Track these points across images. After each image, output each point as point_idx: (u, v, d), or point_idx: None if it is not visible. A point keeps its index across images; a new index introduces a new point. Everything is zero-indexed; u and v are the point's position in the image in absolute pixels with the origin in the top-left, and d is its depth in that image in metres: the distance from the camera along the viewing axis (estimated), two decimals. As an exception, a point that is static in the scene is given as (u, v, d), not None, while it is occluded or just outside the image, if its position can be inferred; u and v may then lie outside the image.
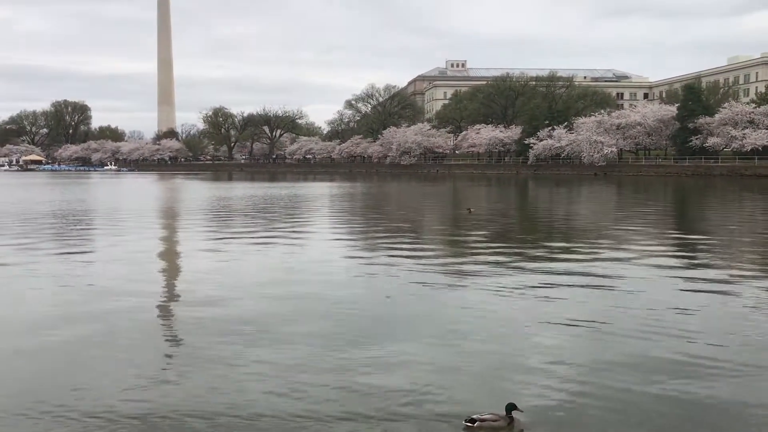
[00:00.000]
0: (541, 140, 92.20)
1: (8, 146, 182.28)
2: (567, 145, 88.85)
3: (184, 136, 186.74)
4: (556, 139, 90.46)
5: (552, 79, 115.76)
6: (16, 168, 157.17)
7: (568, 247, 17.29)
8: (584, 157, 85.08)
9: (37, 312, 10.29)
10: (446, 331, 9.05)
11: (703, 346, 8.32)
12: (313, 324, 9.41)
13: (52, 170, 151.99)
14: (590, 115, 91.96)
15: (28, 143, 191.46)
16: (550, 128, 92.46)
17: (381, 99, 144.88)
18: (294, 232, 21.11)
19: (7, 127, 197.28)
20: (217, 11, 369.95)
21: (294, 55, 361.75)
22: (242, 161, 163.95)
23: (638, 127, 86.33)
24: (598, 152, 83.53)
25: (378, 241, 18.56)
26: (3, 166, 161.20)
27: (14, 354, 8.25)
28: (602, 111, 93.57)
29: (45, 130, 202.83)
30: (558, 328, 9.21)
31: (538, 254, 15.82)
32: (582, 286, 11.88)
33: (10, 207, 32.95)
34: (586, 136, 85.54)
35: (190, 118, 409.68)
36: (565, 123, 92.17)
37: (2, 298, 11.43)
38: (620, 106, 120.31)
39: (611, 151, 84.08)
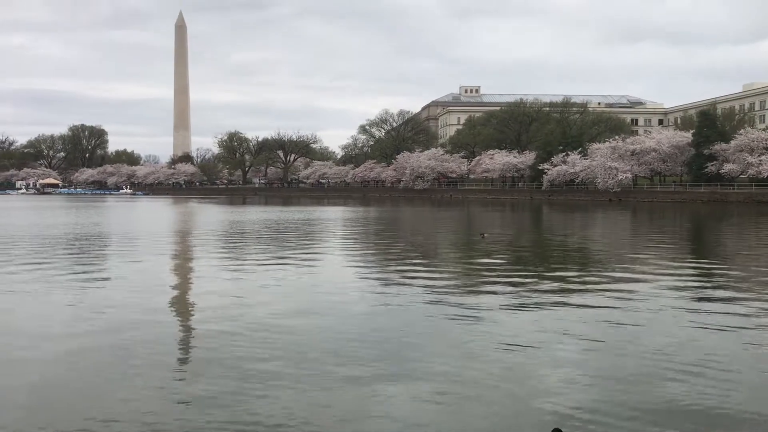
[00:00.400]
0: (555, 166, 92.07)
1: (26, 169, 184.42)
2: (581, 170, 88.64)
3: (199, 160, 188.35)
4: (570, 164, 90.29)
5: (566, 104, 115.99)
6: (33, 191, 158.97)
7: (582, 273, 17.07)
8: (599, 182, 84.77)
9: (50, 334, 10.22)
10: (460, 359, 8.88)
11: (719, 383, 8.09)
12: (326, 355, 9.25)
13: (68, 193, 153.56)
14: (605, 141, 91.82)
15: (46, 167, 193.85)
16: (564, 154, 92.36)
17: (395, 124, 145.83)
18: (307, 256, 21.02)
19: (25, 150, 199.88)
20: (233, 38, 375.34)
21: (308, 81, 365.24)
22: (257, 185, 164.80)
23: (653, 153, 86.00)
24: (612, 178, 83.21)
25: (391, 266, 18.42)
26: (20, 189, 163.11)
27: (25, 375, 8.16)
28: (617, 137, 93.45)
29: (62, 154, 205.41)
30: (573, 360, 9.00)
31: (553, 280, 15.60)
32: (597, 318, 11.67)
33: (25, 230, 33.16)
34: (601, 161, 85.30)
35: (205, 142, 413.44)
36: (580, 149, 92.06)
37: (15, 321, 11.37)
38: (635, 132, 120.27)
39: (626, 177, 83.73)
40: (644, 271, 17.43)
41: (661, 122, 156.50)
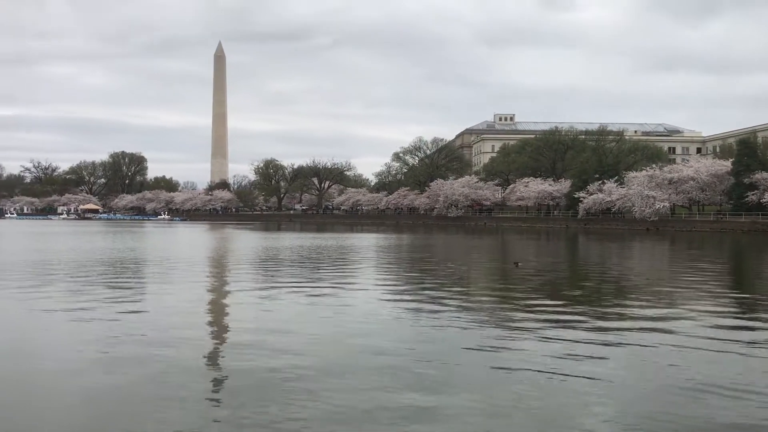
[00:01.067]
0: (591, 194, 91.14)
1: (67, 195, 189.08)
2: (618, 199, 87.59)
3: (235, 186, 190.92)
4: (606, 193, 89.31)
5: (602, 133, 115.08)
6: (74, 216, 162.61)
7: (619, 304, 16.78)
8: (635, 211, 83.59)
9: (86, 353, 10.37)
10: (491, 389, 8.78)
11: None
12: (364, 381, 9.22)
13: (107, 219, 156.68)
14: (641, 170, 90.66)
15: (87, 192, 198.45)
16: (600, 182, 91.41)
17: (429, 152, 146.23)
18: (341, 283, 21.06)
19: (67, 176, 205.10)
20: (269, 67, 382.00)
21: (343, 109, 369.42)
22: (291, 212, 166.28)
23: (691, 182, 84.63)
24: (649, 207, 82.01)
25: (424, 294, 18.34)
26: (62, 214, 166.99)
27: (61, 395, 8.29)
28: (654, 165, 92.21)
29: (103, 180, 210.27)
30: (608, 391, 8.83)
31: (589, 309, 15.37)
32: (635, 350, 11.44)
33: (64, 255, 33.87)
34: (638, 190, 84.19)
35: (241, 169, 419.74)
36: (616, 177, 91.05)
37: (50, 344, 11.58)
38: (672, 161, 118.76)
39: (663, 206, 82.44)
40: (683, 302, 17.06)
41: (699, 151, 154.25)
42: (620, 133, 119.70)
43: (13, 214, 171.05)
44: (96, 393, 8.57)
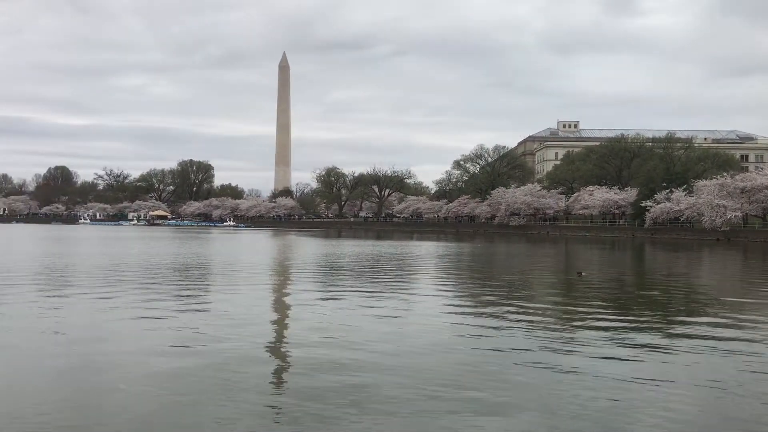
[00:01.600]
0: (659, 203, 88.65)
1: (138, 202, 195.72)
2: (686, 208, 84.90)
3: (298, 194, 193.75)
4: (674, 202, 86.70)
5: (670, 140, 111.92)
6: (143, 222, 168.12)
7: (688, 320, 16.22)
8: (705, 221, 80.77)
9: (151, 355, 10.68)
10: (550, 405, 8.63)
11: None
12: (424, 393, 9.21)
13: (176, 225, 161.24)
14: (711, 178, 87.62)
15: (156, 199, 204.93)
16: (668, 191, 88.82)
17: (490, 159, 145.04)
18: (402, 291, 21.09)
19: (138, 184, 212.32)
20: (332, 77, 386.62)
21: (404, 117, 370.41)
22: (352, 219, 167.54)
23: (765, 191, 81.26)
24: (720, 216, 79.08)
25: (485, 305, 18.18)
26: (132, 220, 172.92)
27: (125, 396, 8.56)
28: (725, 173, 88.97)
29: (171, 188, 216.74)
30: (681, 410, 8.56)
31: (655, 329, 14.93)
32: (703, 368, 11.05)
33: (133, 258, 34.99)
34: (708, 199, 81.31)
35: (304, 177, 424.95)
36: (685, 185, 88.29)
37: (115, 346, 11.96)
38: (745, 169, 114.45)
39: (735, 216, 79.37)
40: (757, 317, 16.39)
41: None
42: (689, 141, 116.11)
43: (86, 220, 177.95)
44: (156, 391, 8.81)
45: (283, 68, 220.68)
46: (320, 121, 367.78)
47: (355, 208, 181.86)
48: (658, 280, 27.69)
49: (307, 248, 52.08)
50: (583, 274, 27.61)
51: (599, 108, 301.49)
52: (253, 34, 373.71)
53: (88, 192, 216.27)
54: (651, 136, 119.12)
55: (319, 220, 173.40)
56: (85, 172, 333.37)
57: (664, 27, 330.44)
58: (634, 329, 14.19)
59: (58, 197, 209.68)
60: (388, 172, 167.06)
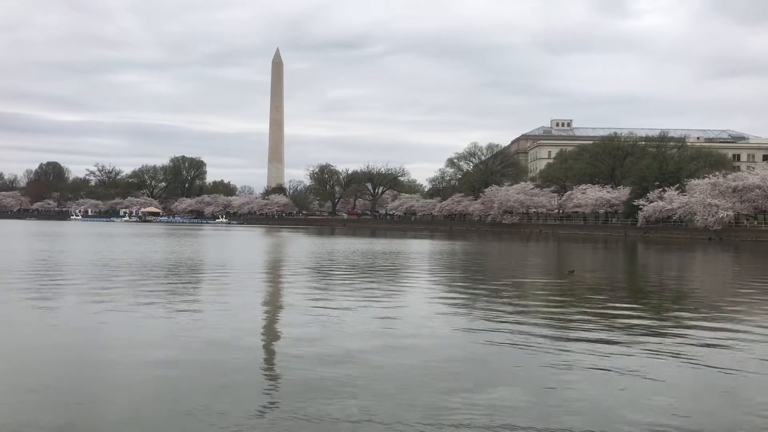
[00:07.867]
0: (651, 202, 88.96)
1: (130, 198, 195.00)
2: (679, 207, 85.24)
3: (291, 191, 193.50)
4: (667, 201, 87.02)
5: (663, 139, 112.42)
6: (135, 219, 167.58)
7: (680, 318, 16.24)
8: (697, 220, 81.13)
9: (147, 351, 10.62)
10: (544, 404, 8.62)
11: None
12: (416, 395, 9.18)
13: (168, 222, 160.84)
14: (704, 177, 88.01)
15: (148, 196, 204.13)
16: (660, 189, 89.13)
17: (483, 157, 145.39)
18: (394, 289, 21.06)
19: (130, 180, 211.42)
20: (326, 75, 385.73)
21: (398, 116, 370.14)
22: (345, 216, 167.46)
23: (757, 190, 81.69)
24: (712, 215, 79.43)
25: (476, 302, 18.17)
26: (124, 217, 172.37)
27: (123, 388, 8.50)
28: (717, 173, 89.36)
29: (163, 184, 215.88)
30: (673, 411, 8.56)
31: (646, 322, 14.95)
32: (696, 368, 11.07)
33: (123, 255, 34.85)
34: (700, 198, 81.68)
35: (297, 174, 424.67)
36: (677, 184, 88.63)
37: (112, 340, 11.89)
38: (737, 168, 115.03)
39: (727, 215, 79.76)
40: (750, 317, 16.43)
41: (765, 158, 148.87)
42: (682, 140, 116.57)
43: (78, 216, 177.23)
44: (154, 386, 8.76)
45: (277, 64, 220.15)
46: (315, 119, 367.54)
47: (348, 205, 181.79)
48: (651, 279, 27.77)
49: (301, 246, 51.99)
50: (573, 271, 27.71)
51: (592, 107, 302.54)
52: (249, 32, 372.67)
53: (79, 188, 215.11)
54: (644, 135, 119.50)
55: (313, 217, 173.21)
56: (77, 168, 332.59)
57: (657, 27, 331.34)
58: (624, 326, 14.19)
59: (49, 193, 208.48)
60: (382, 169, 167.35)
